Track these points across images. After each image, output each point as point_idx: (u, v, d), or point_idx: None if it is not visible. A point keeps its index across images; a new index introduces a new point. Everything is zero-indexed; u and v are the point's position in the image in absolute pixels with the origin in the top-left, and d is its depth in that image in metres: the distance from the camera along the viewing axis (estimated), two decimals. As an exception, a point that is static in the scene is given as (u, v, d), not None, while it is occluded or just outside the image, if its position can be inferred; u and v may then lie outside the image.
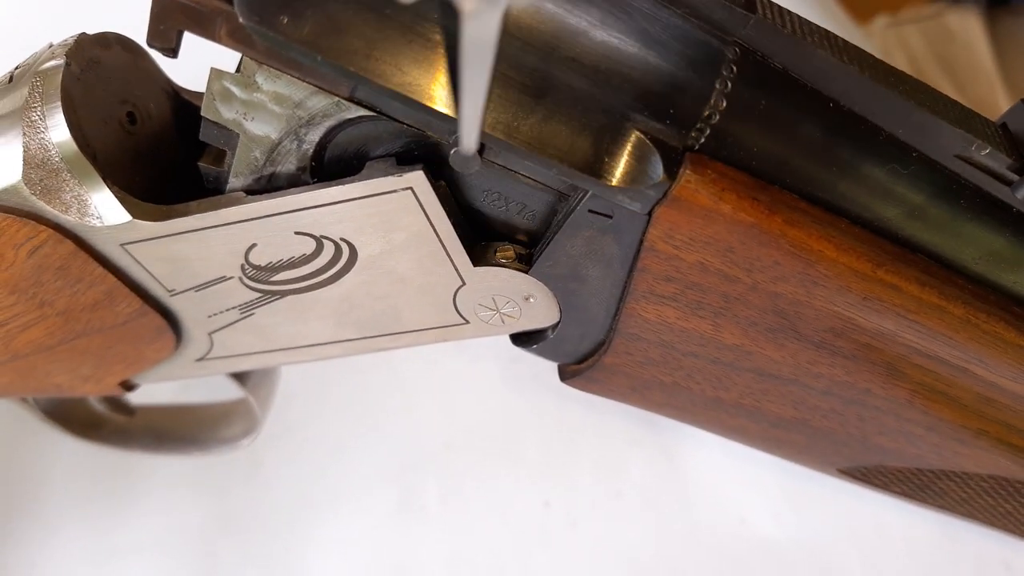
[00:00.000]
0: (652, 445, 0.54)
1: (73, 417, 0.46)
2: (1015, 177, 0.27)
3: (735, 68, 0.24)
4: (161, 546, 0.51)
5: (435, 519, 0.52)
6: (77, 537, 0.50)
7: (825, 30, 0.26)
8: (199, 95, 0.33)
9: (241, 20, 0.22)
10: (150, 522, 0.51)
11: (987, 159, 0.26)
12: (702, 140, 0.25)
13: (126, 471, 0.52)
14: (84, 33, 0.29)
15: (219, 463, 0.52)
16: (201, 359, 0.35)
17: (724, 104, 0.24)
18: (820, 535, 0.51)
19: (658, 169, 0.25)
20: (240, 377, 0.41)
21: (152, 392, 0.42)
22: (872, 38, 0.96)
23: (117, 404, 0.47)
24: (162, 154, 0.32)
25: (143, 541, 0.51)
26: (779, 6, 0.25)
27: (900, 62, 0.92)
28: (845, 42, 0.26)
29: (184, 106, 0.33)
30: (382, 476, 0.53)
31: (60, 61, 0.28)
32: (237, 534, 0.51)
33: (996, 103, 0.84)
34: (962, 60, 0.89)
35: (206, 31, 0.24)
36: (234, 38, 0.24)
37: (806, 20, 0.26)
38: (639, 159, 0.25)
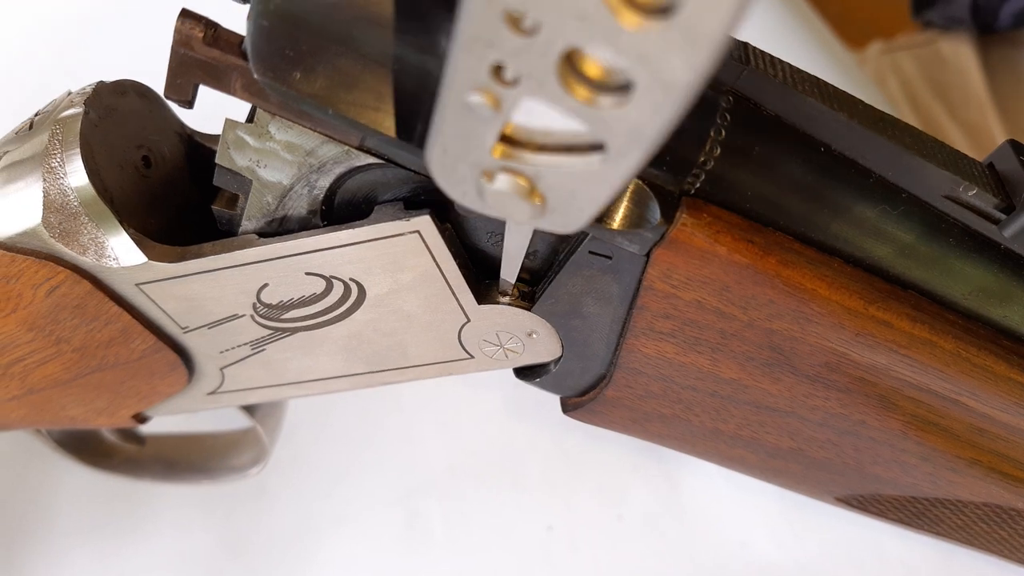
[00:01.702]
0: (653, 470, 0.54)
1: (85, 447, 0.47)
2: (1002, 216, 0.27)
3: (729, 116, 0.25)
4: (168, 570, 0.51)
5: (439, 543, 0.52)
6: (85, 562, 0.51)
7: (816, 77, 0.27)
8: (212, 138, 0.34)
9: (256, 76, 0.23)
10: (157, 547, 0.52)
11: (974, 199, 0.27)
12: (698, 185, 0.26)
13: (133, 497, 0.52)
14: (102, 81, 0.30)
15: (226, 489, 0.52)
16: (213, 393, 0.36)
17: (719, 150, 0.25)
18: (820, 560, 0.51)
19: (655, 213, 0.25)
20: (249, 408, 0.41)
21: (161, 421, 0.43)
22: (866, 64, 0.97)
23: (128, 434, 0.47)
24: (176, 196, 0.33)
25: (150, 566, 0.51)
26: (771, 56, 0.26)
27: (894, 88, 0.94)
28: (835, 89, 0.27)
29: (197, 149, 0.34)
30: (387, 501, 0.53)
31: (79, 109, 0.29)
32: (243, 558, 0.51)
33: (988, 128, 0.85)
34: (955, 86, 0.91)
35: (221, 85, 0.25)
36: (249, 92, 0.25)
37: (797, 68, 0.27)
38: (637, 203, 0.25)
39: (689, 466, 0.54)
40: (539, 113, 0.17)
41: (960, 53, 0.91)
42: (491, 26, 0.15)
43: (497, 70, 0.16)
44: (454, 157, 0.19)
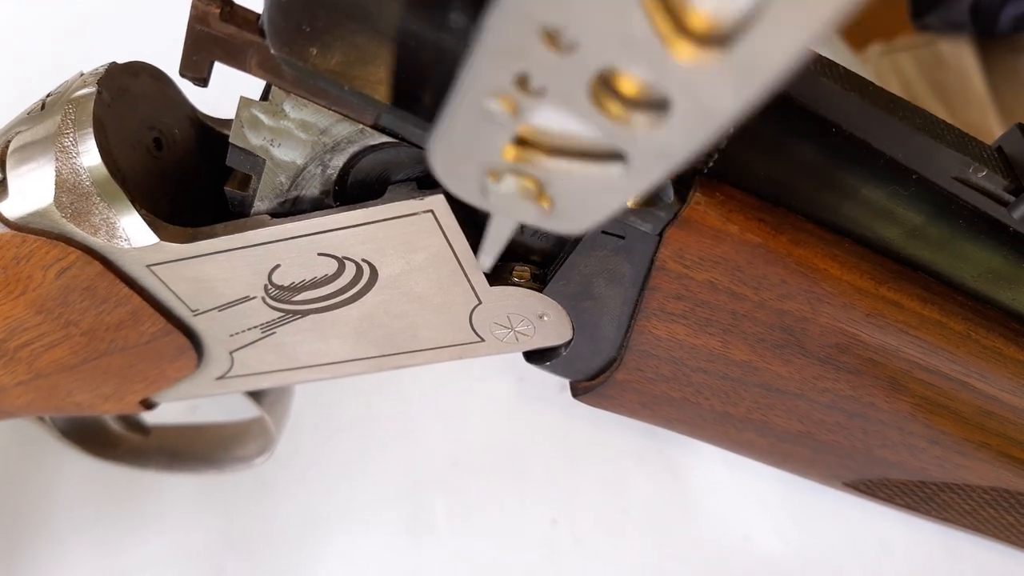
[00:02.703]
0: (656, 462, 0.54)
1: (89, 436, 0.47)
2: (1011, 198, 0.28)
3: None
4: (171, 565, 0.51)
5: (443, 537, 0.52)
6: (87, 557, 0.51)
7: (827, 59, 0.27)
8: (221, 122, 0.34)
9: (272, 52, 0.23)
10: (160, 542, 0.52)
11: (984, 181, 0.27)
12: (711, 164, 0.26)
13: (136, 491, 0.53)
14: (114, 62, 0.31)
15: (228, 483, 0.53)
16: (221, 377, 0.36)
17: (731, 130, 0.26)
18: (823, 551, 0.52)
19: (669, 192, 0.26)
20: (256, 396, 0.41)
21: (165, 412, 0.43)
22: (867, 64, 0.98)
23: (132, 424, 0.47)
24: (186, 178, 0.33)
25: (153, 561, 0.51)
26: (783, 36, 0.27)
27: (894, 87, 0.94)
28: (846, 70, 0.27)
29: (207, 132, 0.34)
30: (390, 495, 0.53)
31: (92, 89, 0.29)
32: (247, 553, 0.52)
33: (988, 127, 0.85)
34: (955, 86, 0.91)
35: (237, 62, 0.25)
36: (264, 68, 0.25)
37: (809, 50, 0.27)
38: (651, 182, 0.26)
39: (692, 458, 0.54)
40: (558, 117, 0.16)
41: (960, 54, 0.92)
42: (523, 39, 0.14)
43: (522, 80, 0.15)
44: (460, 156, 0.18)
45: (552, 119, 0.16)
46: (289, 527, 0.52)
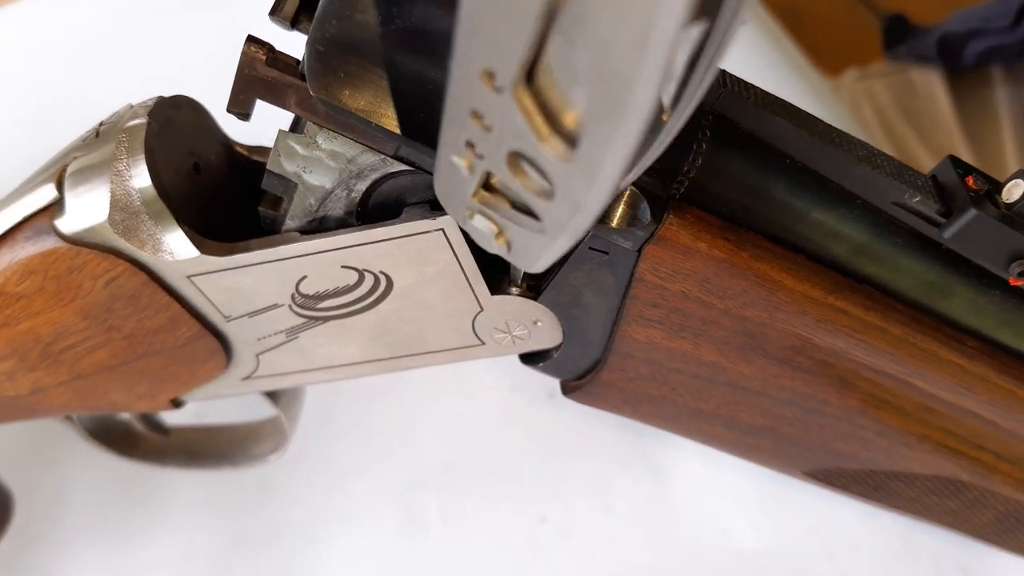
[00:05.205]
0: (639, 462, 0.57)
1: (114, 437, 0.49)
2: (943, 220, 0.31)
3: (709, 132, 0.30)
4: (177, 564, 0.53)
5: (437, 536, 0.55)
6: (94, 556, 0.53)
7: (782, 100, 0.31)
8: (248, 148, 0.38)
9: (311, 93, 0.27)
10: (166, 541, 0.54)
11: (919, 205, 0.31)
12: (682, 190, 0.30)
13: (143, 492, 0.55)
14: (161, 96, 0.34)
15: (234, 486, 0.55)
16: (247, 378, 0.39)
17: (700, 161, 0.30)
18: (794, 544, 0.55)
19: (646, 214, 0.30)
20: (273, 396, 0.45)
21: (181, 415, 0.46)
22: (842, 90, 1.03)
23: (154, 424, 0.50)
24: (219, 198, 0.37)
25: (159, 560, 0.53)
26: (744, 81, 0.31)
27: (868, 113, 0.99)
28: (798, 109, 0.31)
29: (237, 157, 0.38)
30: (387, 497, 0.56)
31: (143, 120, 0.32)
32: (251, 552, 0.54)
33: (955, 150, 0.90)
34: (924, 112, 0.96)
35: (278, 101, 0.29)
36: (302, 107, 0.29)
37: (766, 92, 0.31)
38: (631, 206, 0.30)
39: (672, 459, 0.57)
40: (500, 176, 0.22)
41: (929, 81, 0.97)
42: (462, 116, 0.20)
43: (471, 145, 0.21)
44: (448, 193, 0.24)
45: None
46: (291, 527, 0.55)
